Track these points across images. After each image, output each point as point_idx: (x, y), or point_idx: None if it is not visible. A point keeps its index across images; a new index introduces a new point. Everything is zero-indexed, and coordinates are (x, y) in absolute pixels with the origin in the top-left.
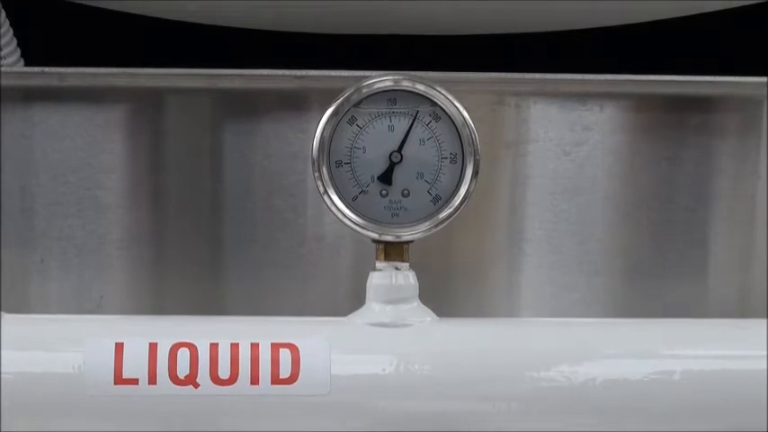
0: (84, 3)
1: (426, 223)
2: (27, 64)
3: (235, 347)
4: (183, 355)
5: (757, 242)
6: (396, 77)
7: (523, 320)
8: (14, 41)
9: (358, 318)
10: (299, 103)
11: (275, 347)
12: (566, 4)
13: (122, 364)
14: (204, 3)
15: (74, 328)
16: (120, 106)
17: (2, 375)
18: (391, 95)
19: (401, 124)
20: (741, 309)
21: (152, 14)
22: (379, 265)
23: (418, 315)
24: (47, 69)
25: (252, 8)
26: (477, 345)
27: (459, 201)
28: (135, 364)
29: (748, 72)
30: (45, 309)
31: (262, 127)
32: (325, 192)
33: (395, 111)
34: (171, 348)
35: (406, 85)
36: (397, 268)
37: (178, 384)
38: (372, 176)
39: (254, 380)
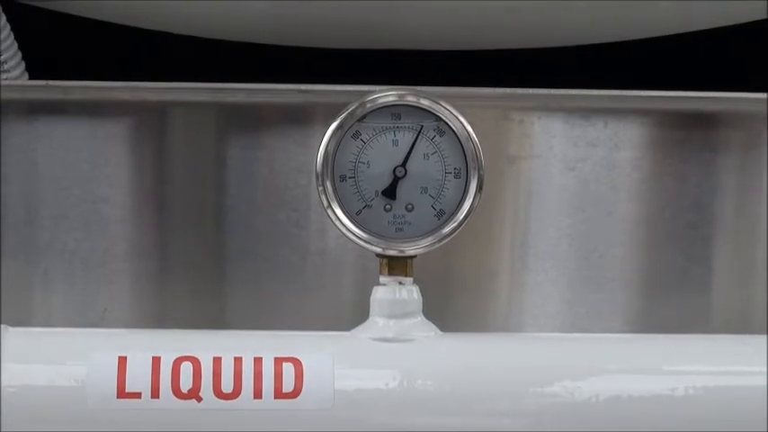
0: (88, 17)
1: (430, 238)
2: (31, 77)
3: (238, 361)
4: (186, 369)
5: (760, 258)
6: (400, 92)
7: (527, 336)
8: (19, 55)
9: (361, 332)
10: (303, 118)
11: (279, 362)
12: (570, 20)
13: (125, 378)
14: (209, 17)
15: (76, 341)
16: (124, 120)
17: (4, 389)
18: (395, 110)
19: (405, 139)
20: (744, 324)
21: (157, 29)
22: (382, 279)
23: (422, 330)
24: (51, 83)
25: (256, 23)
26: (481, 360)
27: (462, 215)
28: (138, 378)
29: (758, 88)
30: (48, 322)
31: (266, 141)
32: (329, 206)
33: (399, 125)
34: (174, 362)
35: (411, 99)
36: (400, 283)
37: (181, 398)
38: (376, 191)
39: (258, 394)
